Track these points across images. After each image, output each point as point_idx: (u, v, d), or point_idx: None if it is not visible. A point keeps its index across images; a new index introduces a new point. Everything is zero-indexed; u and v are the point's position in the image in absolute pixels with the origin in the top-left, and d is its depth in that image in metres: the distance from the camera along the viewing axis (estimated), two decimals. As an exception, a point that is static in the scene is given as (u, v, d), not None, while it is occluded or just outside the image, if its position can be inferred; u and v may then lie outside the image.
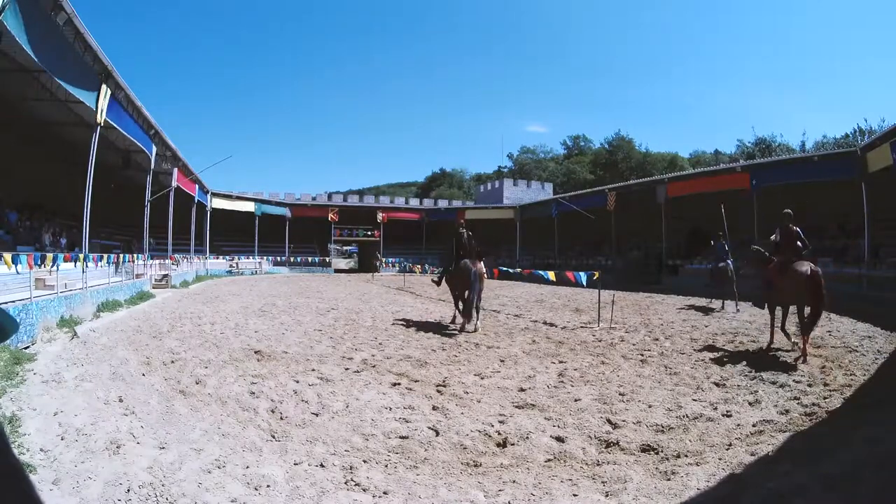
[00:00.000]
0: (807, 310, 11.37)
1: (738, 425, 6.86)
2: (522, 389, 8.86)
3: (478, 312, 15.94)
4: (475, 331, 15.26)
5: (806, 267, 11.37)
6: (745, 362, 10.80)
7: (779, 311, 12.47)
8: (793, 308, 11.91)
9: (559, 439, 6.46)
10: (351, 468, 5.43)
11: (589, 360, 11.21)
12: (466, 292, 15.79)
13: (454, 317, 17.23)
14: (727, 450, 5.99)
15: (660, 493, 4.94)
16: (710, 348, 12.37)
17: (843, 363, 10.53)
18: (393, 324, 16.81)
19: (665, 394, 8.55)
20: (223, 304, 22.30)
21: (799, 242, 11.95)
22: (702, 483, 5.07)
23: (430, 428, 6.79)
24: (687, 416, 7.25)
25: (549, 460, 5.89)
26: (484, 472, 5.54)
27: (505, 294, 29.69)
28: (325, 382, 9.09)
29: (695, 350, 12.23)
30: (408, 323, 17.15)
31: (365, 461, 5.69)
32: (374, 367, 10.44)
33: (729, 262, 21.45)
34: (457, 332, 15.34)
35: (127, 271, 25.75)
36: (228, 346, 12.18)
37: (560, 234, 54.50)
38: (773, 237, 12.47)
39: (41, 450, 5.53)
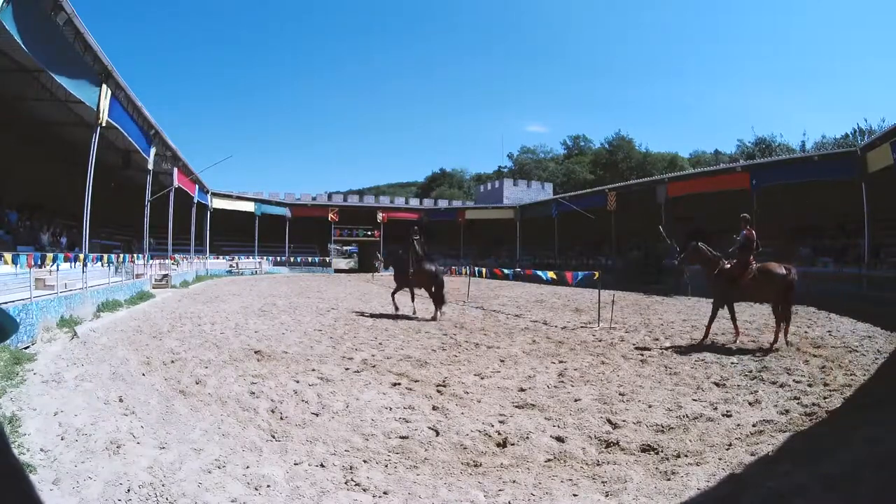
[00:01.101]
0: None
1: (738, 425, 6.88)
2: (522, 389, 8.87)
3: (443, 303, 19.00)
4: (438, 318, 18.25)
5: (782, 269, 12.59)
6: (744, 362, 10.82)
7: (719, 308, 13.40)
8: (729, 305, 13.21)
9: (559, 439, 6.47)
10: (351, 468, 5.44)
11: (589, 360, 11.24)
12: (434, 288, 18.85)
13: (414, 309, 19.78)
14: (727, 450, 6.00)
15: (660, 493, 4.95)
16: (710, 348, 12.36)
17: (843, 363, 10.55)
18: (393, 324, 16.81)
19: (665, 394, 8.58)
20: (223, 304, 22.31)
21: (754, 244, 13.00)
22: (702, 483, 5.08)
23: (430, 428, 6.80)
24: (687, 416, 7.27)
25: (549, 460, 5.90)
26: (484, 472, 5.55)
27: (505, 294, 29.71)
28: (325, 382, 9.11)
29: (695, 350, 12.22)
30: (408, 323, 17.15)
31: (365, 461, 5.70)
32: (374, 367, 10.46)
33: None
34: (416, 318, 18.59)
35: (127, 271, 25.71)
36: (228, 346, 12.19)
37: (560, 234, 54.40)
38: (737, 238, 13.04)
39: (41, 450, 5.53)
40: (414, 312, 19.38)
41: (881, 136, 28.15)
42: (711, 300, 13.58)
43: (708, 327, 13.21)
